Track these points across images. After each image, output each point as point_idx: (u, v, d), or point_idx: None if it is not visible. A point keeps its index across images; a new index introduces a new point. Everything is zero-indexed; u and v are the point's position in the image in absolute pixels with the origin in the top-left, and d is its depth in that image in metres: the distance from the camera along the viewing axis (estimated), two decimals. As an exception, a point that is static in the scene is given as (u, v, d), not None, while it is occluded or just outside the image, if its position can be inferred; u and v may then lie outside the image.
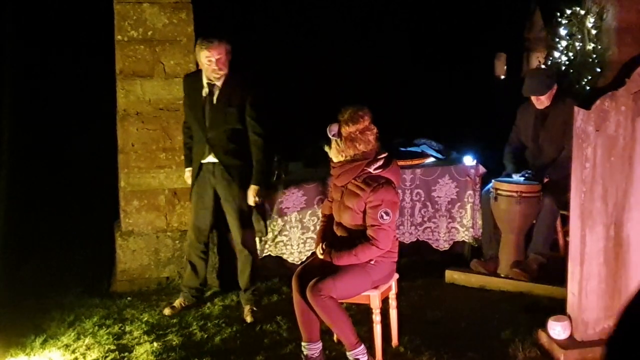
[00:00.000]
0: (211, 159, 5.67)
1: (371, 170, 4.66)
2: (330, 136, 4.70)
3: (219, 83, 5.56)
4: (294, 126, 8.34)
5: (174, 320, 5.69)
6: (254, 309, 5.76)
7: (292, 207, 6.36)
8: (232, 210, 5.71)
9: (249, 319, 5.67)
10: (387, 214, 4.56)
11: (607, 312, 4.76)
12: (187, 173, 5.91)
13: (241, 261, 5.86)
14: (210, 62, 5.46)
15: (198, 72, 5.71)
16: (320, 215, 6.27)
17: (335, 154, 4.73)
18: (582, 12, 7.64)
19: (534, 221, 6.17)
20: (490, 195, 6.21)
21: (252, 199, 5.66)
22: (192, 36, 6.31)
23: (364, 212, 4.61)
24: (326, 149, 4.81)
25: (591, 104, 4.52)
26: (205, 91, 5.60)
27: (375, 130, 4.69)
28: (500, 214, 6.13)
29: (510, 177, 6.25)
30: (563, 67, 7.79)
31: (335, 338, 5.01)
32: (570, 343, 4.76)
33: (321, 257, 4.74)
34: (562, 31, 7.82)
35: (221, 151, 5.62)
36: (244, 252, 5.81)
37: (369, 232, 4.58)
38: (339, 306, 4.57)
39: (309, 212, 6.40)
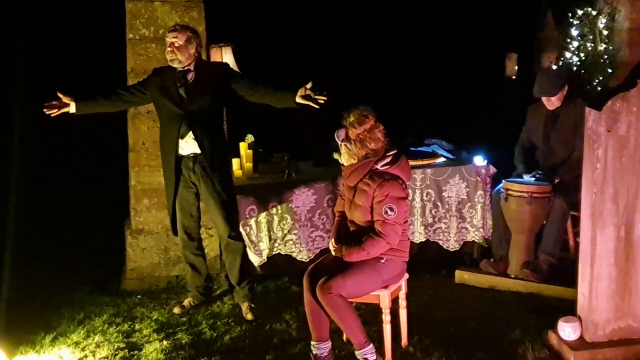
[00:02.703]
0: (188, 145, 5.56)
1: (378, 167, 4.67)
2: (339, 142, 4.71)
3: (191, 67, 5.56)
4: (304, 125, 8.35)
5: (184, 319, 5.69)
6: (252, 305, 5.75)
7: (302, 205, 6.36)
8: (217, 204, 5.63)
9: (249, 316, 5.66)
10: (391, 209, 4.57)
11: (617, 313, 4.74)
12: (70, 102, 5.52)
13: (230, 253, 5.77)
14: (168, 44, 5.52)
15: (168, 66, 5.69)
16: (330, 215, 6.32)
17: (347, 158, 4.74)
18: (594, 12, 7.63)
19: (545, 222, 6.16)
20: (500, 195, 6.20)
21: (309, 93, 5.36)
22: (204, 35, 6.31)
23: (372, 208, 4.63)
24: (336, 156, 4.83)
25: (602, 105, 4.50)
26: (178, 76, 5.57)
27: (381, 127, 4.71)
28: (511, 215, 6.12)
29: (521, 177, 6.24)
30: (574, 68, 7.78)
31: (344, 337, 5.01)
32: (580, 344, 4.74)
33: (333, 252, 4.75)
34: (574, 32, 7.82)
35: (199, 127, 5.51)
36: (233, 243, 5.73)
37: (376, 226, 4.60)
38: (349, 305, 4.57)
39: (319, 210, 6.41)
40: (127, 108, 6.14)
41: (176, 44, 5.49)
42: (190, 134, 5.53)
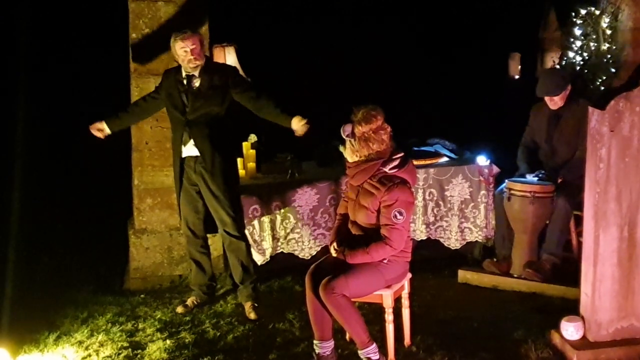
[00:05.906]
0: (190, 150, 5.63)
1: (387, 170, 4.66)
2: (344, 137, 4.70)
3: (196, 73, 5.60)
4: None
5: (187, 318, 5.70)
6: (256, 305, 5.75)
7: (304, 205, 6.37)
8: (218, 204, 5.65)
9: (252, 316, 5.66)
10: (400, 213, 4.56)
11: (620, 313, 4.75)
12: (103, 125, 5.83)
13: (232, 252, 5.79)
14: (186, 53, 5.53)
15: (177, 68, 5.73)
16: (332, 213, 6.32)
17: (350, 154, 4.73)
18: (597, 12, 7.62)
19: (548, 222, 6.16)
20: (503, 195, 6.20)
21: (301, 125, 5.48)
22: (207, 34, 6.32)
23: (379, 212, 4.62)
24: (341, 149, 4.81)
25: (605, 105, 4.51)
26: (184, 82, 5.62)
27: (389, 130, 4.69)
28: (514, 214, 6.12)
29: (524, 177, 6.24)
30: (578, 68, 7.77)
31: (347, 337, 5.01)
32: (583, 344, 4.74)
33: (335, 255, 4.75)
34: (577, 31, 7.80)
35: (200, 135, 5.57)
36: (234, 242, 5.74)
37: (383, 231, 4.59)
38: (352, 305, 4.57)
39: (321, 209, 6.41)
40: (149, 116, 6.14)
41: (197, 50, 5.53)
42: (192, 141, 5.61)
